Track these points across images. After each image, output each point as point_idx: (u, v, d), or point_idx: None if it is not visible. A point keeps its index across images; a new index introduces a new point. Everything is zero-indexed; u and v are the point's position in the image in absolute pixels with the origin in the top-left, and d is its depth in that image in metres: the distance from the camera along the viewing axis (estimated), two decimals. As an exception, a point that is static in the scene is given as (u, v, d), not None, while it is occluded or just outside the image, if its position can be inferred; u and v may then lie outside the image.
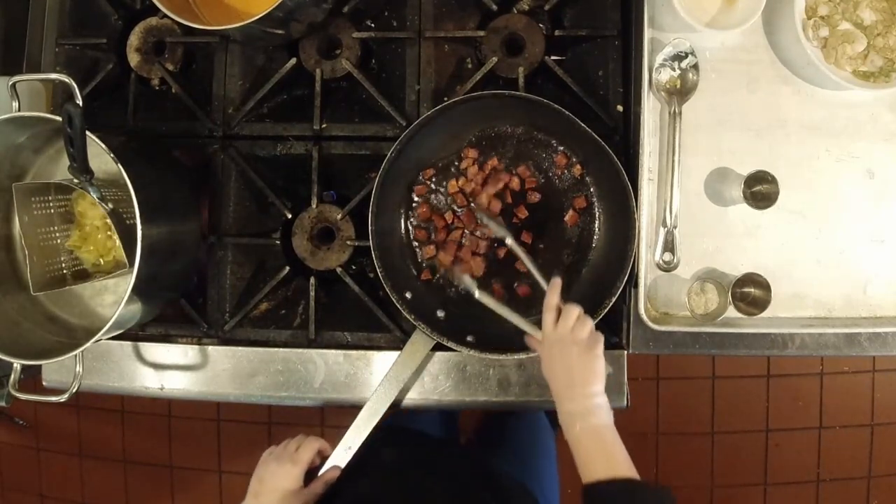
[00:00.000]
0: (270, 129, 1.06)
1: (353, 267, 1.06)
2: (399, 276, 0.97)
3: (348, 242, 1.02)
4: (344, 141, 1.04)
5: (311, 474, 0.86)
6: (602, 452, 0.74)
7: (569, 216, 0.98)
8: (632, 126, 0.98)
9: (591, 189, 0.98)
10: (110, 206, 0.87)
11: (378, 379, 0.99)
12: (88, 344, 0.86)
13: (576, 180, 0.98)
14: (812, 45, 0.95)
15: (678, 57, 0.96)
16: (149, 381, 1.06)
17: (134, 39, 1.09)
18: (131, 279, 0.82)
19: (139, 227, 0.82)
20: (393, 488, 0.85)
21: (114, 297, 1.01)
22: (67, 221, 0.99)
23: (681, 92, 0.97)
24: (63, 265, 0.98)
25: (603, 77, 1.01)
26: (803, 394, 2.06)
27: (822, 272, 0.98)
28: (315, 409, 2.02)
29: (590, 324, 0.80)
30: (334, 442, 0.89)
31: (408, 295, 0.95)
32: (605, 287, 0.90)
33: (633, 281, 0.95)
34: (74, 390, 0.90)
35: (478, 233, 0.98)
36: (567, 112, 0.90)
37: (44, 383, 1.07)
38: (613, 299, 0.90)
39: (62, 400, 0.89)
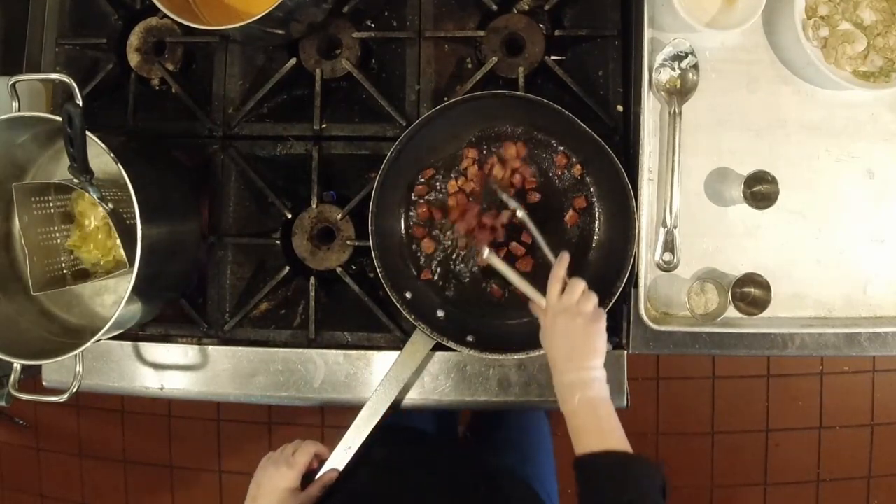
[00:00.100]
0: (270, 129, 1.06)
1: (353, 267, 1.06)
2: (399, 276, 0.97)
3: (348, 242, 1.02)
4: (344, 141, 1.04)
5: (310, 478, 0.86)
6: (597, 425, 0.74)
7: (569, 216, 0.98)
8: (632, 126, 0.98)
9: (591, 189, 0.98)
10: (110, 206, 0.87)
11: (378, 379, 0.99)
12: (88, 344, 0.86)
13: (576, 180, 0.98)
14: (812, 45, 0.95)
15: (678, 57, 0.96)
16: (149, 381, 1.06)
17: (134, 39, 1.09)
18: (131, 279, 0.82)
19: (139, 227, 0.82)
20: (388, 486, 0.85)
21: (114, 297, 1.01)
22: (67, 221, 0.99)
23: (681, 92, 0.97)
24: (63, 265, 0.98)
25: (603, 77, 1.01)
26: (803, 394, 2.06)
27: (822, 272, 0.99)
28: (315, 409, 2.02)
29: (595, 299, 0.81)
30: (334, 442, 0.89)
31: (408, 295, 0.95)
32: (605, 287, 0.90)
33: (633, 281, 0.95)
34: (74, 390, 0.90)
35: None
36: (567, 112, 0.90)
37: (44, 383, 1.07)
38: (613, 299, 0.90)
39: (62, 400, 0.89)
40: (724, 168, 0.99)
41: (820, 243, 0.99)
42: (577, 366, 0.76)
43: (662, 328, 0.94)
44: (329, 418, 2.10)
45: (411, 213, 1.01)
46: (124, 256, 0.91)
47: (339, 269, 1.01)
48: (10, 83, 0.88)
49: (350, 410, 0.95)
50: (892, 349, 0.98)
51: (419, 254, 1.01)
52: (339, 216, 1.02)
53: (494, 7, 1.02)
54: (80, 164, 0.79)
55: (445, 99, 1.00)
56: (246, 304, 1.03)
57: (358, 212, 1.02)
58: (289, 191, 1.09)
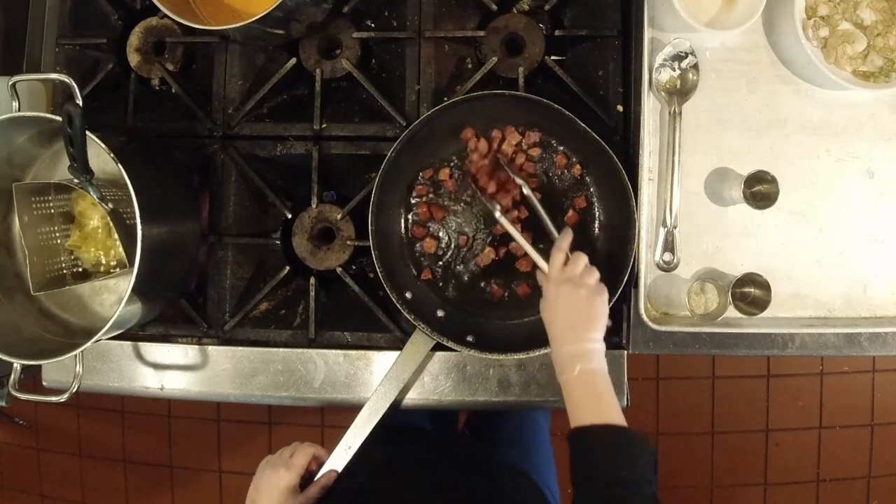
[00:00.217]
0: (270, 129, 1.06)
1: (353, 267, 1.06)
2: (399, 276, 0.97)
3: (348, 242, 1.02)
4: (344, 141, 1.04)
5: (310, 480, 0.86)
6: (594, 398, 0.74)
7: (569, 216, 0.98)
8: (632, 126, 0.98)
9: (591, 189, 0.98)
10: (110, 206, 0.87)
11: (378, 379, 0.99)
12: (88, 344, 0.86)
13: (576, 180, 0.98)
14: (812, 45, 0.95)
15: (678, 57, 0.96)
16: (149, 381, 1.06)
17: (134, 39, 1.09)
18: (131, 279, 0.82)
19: (139, 227, 0.82)
20: (387, 484, 0.85)
21: (114, 297, 1.01)
22: (67, 221, 0.99)
23: (681, 92, 0.97)
24: (63, 265, 0.98)
25: (603, 77, 1.01)
26: (803, 394, 2.07)
27: (822, 272, 0.99)
28: (315, 409, 2.02)
29: (597, 272, 0.81)
30: (334, 442, 0.89)
31: (408, 295, 0.95)
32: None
33: (633, 281, 0.95)
34: (74, 390, 0.90)
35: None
36: (567, 112, 0.90)
37: (44, 383, 1.07)
38: (613, 299, 0.90)
39: (62, 400, 0.89)
40: (724, 168, 0.99)
41: (820, 243, 0.99)
42: (578, 336, 0.76)
43: (662, 328, 0.94)
44: (329, 418, 2.10)
45: (411, 213, 1.01)
46: (124, 256, 0.91)
47: (339, 269, 1.01)
48: (10, 83, 0.88)
49: (350, 410, 0.95)
50: (892, 349, 0.98)
51: (419, 254, 1.01)
52: (339, 216, 1.02)
53: (494, 7, 1.02)
54: (80, 164, 0.79)
55: (445, 99, 1.00)
56: (246, 304, 1.03)
57: (358, 212, 1.02)
58: (289, 191, 1.09)
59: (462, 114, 0.96)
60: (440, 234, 1.00)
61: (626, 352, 0.98)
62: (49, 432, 2.28)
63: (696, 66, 0.96)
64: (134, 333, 1.05)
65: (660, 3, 0.97)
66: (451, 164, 1.00)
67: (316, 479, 0.86)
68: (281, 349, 1.04)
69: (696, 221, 0.98)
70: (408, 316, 0.93)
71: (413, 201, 1.01)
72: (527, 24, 1.01)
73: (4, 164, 0.95)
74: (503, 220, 0.89)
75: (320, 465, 0.87)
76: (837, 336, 0.98)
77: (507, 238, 0.96)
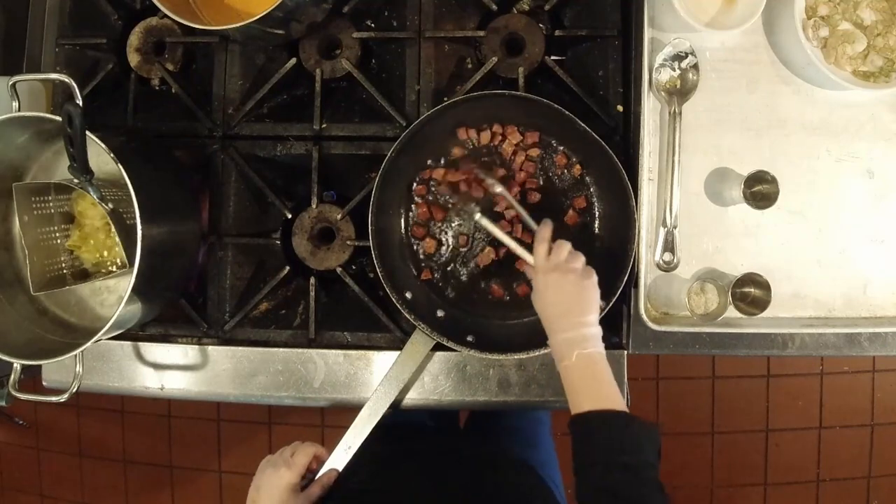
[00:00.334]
0: (270, 129, 1.06)
1: (353, 267, 1.06)
2: (399, 276, 0.97)
3: (348, 242, 1.02)
4: (344, 141, 1.04)
5: (311, 480, 0.86)
6: (593, 383, 0.74)
7: (569, 216, 0.98)
8: (632, 126, 0.98)
9: (591, 189, 0.98)
10: (110, 206, 0.87)
11: (378, 379, 0.99)
12: (88, 344, 0.86)
13: (575, 180, 0.98)
14: (812, 45, 0.95)
15: (678, 57, 0.96)
16: (149, 381, 1.06)
17: (134, 39, 1.09)
18: (131, 279, 0.82)
19: (139, 227, 0.82)
20: (390, 482, 0.85)
21: (114, 297, 1.01)
22: (67, 221, 0.99)
23: (681, 92, 0.97)
24: (63, 265, 0.98)
25: (603, 77, 1.01)
26: (803, 394, 2.07)
27: (822, 272, 0.99)
28: (315, 409, 2.02)
29: (582, 257, 0.81)
30: (334, 442, 0.89)
31: (408, 295, 0.95)
32: (605, 287, 0.90)
33: (633, 281, 0.95)
34: (74, 390, 0.90)
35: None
36: (567, 112, 0.90)
37: (44, 383, 1.07)
38: (613, 299, 0.90)
39: (62, 400, 0.89)
40: (724, 168, 0.99)
41: (820, 243, 0.99)
42: (572, 322, 0.76)
43: (662, 328, 0.94)
44: (329, 418, 2.10)
45: (411, 213, 1.01)
46: (124, 256, 0.91)
47: (339, 269, 1.01)
48: (10, 83, 0.88)
49: (350, 410, 0.95)
50: (892, 349, 0.98)
51: (419, 254, 1.01)
52: (339, 216, 1.02)
53: (494, 7, 1.02)
54: (80, 164, 0.79)
55: (445, 99, 1.00)
56: (246, 304, 1.03)
57: (358, 212, 1.02)
58: (289, 191, 1.09)
59: (462, 114, 0.96)
60: (440, 234, 1.00)
61: (626, 352, 0.98)
62: (49, 432, 2.28)
63: (696, 66, 0.96)
64: (134, 333, 1.05)
65: (660, 3, 0.97)
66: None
67: (317, 477, 0.86)
68: (281, 349, 1.04)
69: (696, 221, 0.98)
70: (408, 316, 0.93)
71: (413, 201, 1.01)
72: (527, 24, 1.01)
73: (4, 164, 0.95)
74: (483, 221, 0.88)
75: (321, 464, 0.87)
76: (837, 336, 0.98)
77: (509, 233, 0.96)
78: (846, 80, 0.94)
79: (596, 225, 0.99)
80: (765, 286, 0.93)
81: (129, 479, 2.24)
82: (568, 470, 1.02)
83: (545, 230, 0.83)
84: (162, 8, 0.92)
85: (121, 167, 0.82)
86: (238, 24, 0.88)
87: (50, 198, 0.96)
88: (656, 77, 0.96)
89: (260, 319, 1.06)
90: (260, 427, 2.16)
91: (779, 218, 0.98)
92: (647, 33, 0.96)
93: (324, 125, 1.04)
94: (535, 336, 0.88)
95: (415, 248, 1.01)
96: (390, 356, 1.01)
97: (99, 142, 0.83)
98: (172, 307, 1.04)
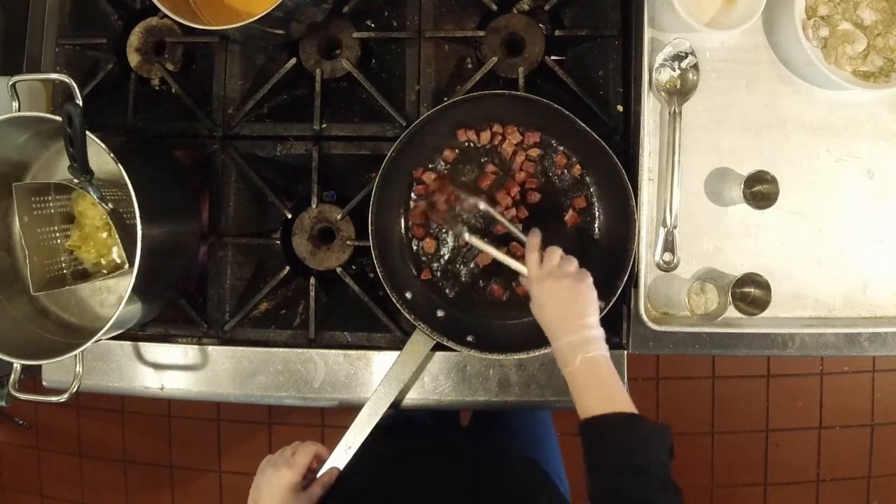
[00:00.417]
0: (270, 129, 1.06)
1: (353, 267, 1.06)
2: (399, 276, 0.97)
3: (348, 242, 1.02)
4: (344, 141, 1.04)
5: (312, 480, 0.86)
6: (599, 386, 0.73)
7: (569, 216, 0.98)
8: (632, 126, 0.98)
9: (591, 189, 0.98)
10: (110, 206, 0.87)
11: (378, 379, 0.99)
12: (88, 344, 0.86)
13: (575, 180, 0.98)
14: (812, 45, 0.95)
15: (678, 57, 0.96)
16: (149, 381, 1.06)
17: (134, 39, 1.09)
18: (131, 279, 0.82)
19: (139, 227, 0.82)
20: (394, 480, 0.85)
21: (114, 297, 1.01)
22: (67, 221, 0.99)
23: (681, 92, 0.97)
24: (63, 265, 0.98)
25: (603, 77, 1.01)
26: (803, 394, 2.07)
27: (822, 272, 0.99)
28: (315, 409, 2.02)
29: (575, 261, 0.81)
30: (334, 442, 0.89)
31: (408, 295, 0.95)
32: (605, 287, 0.90)
33: (633, 281, 0.95)
34: (74, 390, 0.90)
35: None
36: (567, 112, 0.90)
37: (44, 383, 1.07)
38: (613, 299, 0.90)
39: (62, 400, 0.89)
40: (724, 168, 0.99)
41: (820, 243, 0.99)
42: (572, 326, 0.76)
43: (662, 328, 0.94)
44: (329, 418, 2.10)
45: (411, 213, 1.01)
46: (124, 256, 0.91)
47: (339, 269, 1.01)
48: (10, 83, 0.88)
49: (350, 410, 0.95)
50: (892, 349, 0.98)
51: (419, 254, 1.01)
52: (339, 216, 1.02)
53: (494, 7, 1.02)
54: (80, 164, 0.79)
55: (445, 99, 1.00)
56: (246, 304, 1.03)
57: (358, 212, 1.02)
58: (289, 191, 1.09)
59: (462, 114, 0.96)
60: (440, 234, 1.00)
61: (626, 352, 0.98)
62: (49, 432, 2.28)
63: (696, 66, 0.96)
64: (134, 333, 1.05)
65: (660, 3, 0.97)
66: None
67: (317, 477, 0.86)
68: (281, 349, 1.04)
69: (696, 221, 0.98)
70: (408, 316, 0.93)
71: (413, 201, 1.01)
72: (527, 24, 1.01)
73: (4, 164, 0.95)
74: (473, 240, 0.89)
75: (322, 463, 0.87)
76: (837, 336, 0.98)
77: (506, 238, 0.96)
78: (846, 80, 0.94)
79: (596, 225, 0.99)
80: (765, 286, 0.93)
81: (129, 479, 2.24)
82: (571, 463, 1.02)
83: (534, 239, 0.84)
84: (162, 8, 0.92)
85: (121, 167, 0.82)
86: (238, 24, 0.88)
87: (50, 198, 0.96)
88: (656, 77, 0.96)
89: (260, 319, 1.06)
90: (260, 427, 2.16)
91: (779, 218, 0.98)
92: (647, 33, 0.96)
93: (324, 125, 1.04)
94: (535, 336, 0.88)
95: (415, 248, 1.01)
96: (390, 356, 1.01)
97: (99, 142, 0.83)
98: (172, 307, 1.04)
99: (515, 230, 0.90)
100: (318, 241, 1.03)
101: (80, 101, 0.81)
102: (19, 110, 0.88)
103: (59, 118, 0.79)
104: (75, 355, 0.88)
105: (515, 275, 0.98)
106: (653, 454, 0.68)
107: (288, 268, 1.03)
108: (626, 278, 0.90)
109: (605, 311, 0.88)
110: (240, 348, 1.05)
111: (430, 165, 1.00)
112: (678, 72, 0.97)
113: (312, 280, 1.02)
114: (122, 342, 1.06)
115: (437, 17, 1.04)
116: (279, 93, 1.08)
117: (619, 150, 0.96)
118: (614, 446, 0.70)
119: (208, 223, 1.05)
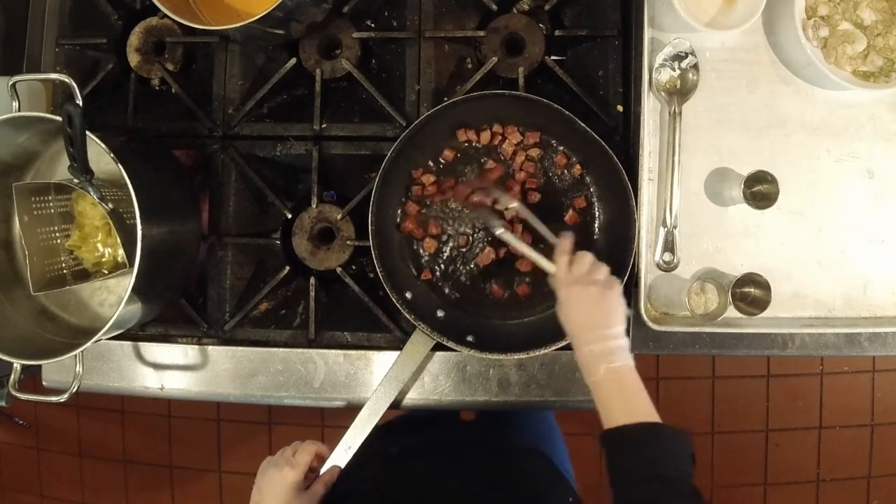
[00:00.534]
0: (270, 129, 1.06)
1: (353, 267, 1.06)
2: (399, 276, 0.97)
3: (348, 242, 1.02)
4: (344, 141, 1.04)
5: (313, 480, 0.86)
6: (622, 397, 0.73)
7: (569, 216, 0.98)
8: (632, 126, 0.98)
9: (591, 189, 0.98)
10: (110, 206, 0.87)
11: (378, 379, 0.99)
12: (88, 344, 0.86)
13: (575, 180, 0.98)
14: (812, 45, 0.95)
15: (678, 57, 0.96)
16: (149, 381, 1.06)
17: (134, 39, 1.09)
18: (131, 279, 0.82)
19: (139, 227, 0.82)
20: (390, 480, 0.85)
21: (114, 297, 1.01)
22: (67, 221, 0.99)
23: (681, 92, 0.97)
24: (63, 265, 0.98)
25: (603, 77, 1.01)
26: (803, 394, 2.07)
27: (822, 272, 0.98)
28: (315, 409, 2.02)
29: (606, 268, 0.80)
30: (334, 442, 0.89)
31: (408, 295, 0.95)
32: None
33: (633, 281, 0.95)
34: (74, 390, 0.90)
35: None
36: (567, 112, 0.90)
37: (44, 383, 1.07)
38: (613, 299, 0.90)
39: (62, 400, 0.89)
40: (724, 168, 0.99)
41: (820, 243, 0.99)
42: (598, 335, 0.76)
43: (662, 328, 0.94)
44: (329, 418, 2.10)
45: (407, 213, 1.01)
46: (124, 256, 0.91)
47: (339, 269, 1.01)
48: (10, 83, 0.88)
49: (350, 410, 0.96)
50: (892, 349, 0.98)
51: (419, 254, 1.01)
52: (339, 216, 1.02)
53: (494, 7, 1.02)
54: (80, 164, 0.79)
55: (445, 99, 1.00)
56: (246, 304, 1.03)
57: (358, 212, 1.02)
58: (289, 191, 1.09)
59: (462, 114, 0.96)
60: (440, 234, 1.00)
61: (626, 352, 0.98)
62: (49, 432, 2.28)
63: (696, 66, 0.96)
64: (134, 333, 1.05)
65: (660, 3, 0.97)
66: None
67: (319, 475, 0.86)
68: (281, 349, 1.04)
69: (696, 221, 0.98)
70: (408, 316, 0.93)
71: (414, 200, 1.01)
72: (527, 24, 1.01)
73: (4, 164, 0.95)
74: (507, 236, 0.87)
75: (323, 462, 0.87)
76: (837, 336, 0.98)
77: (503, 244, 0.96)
78: (846, 80, 0.94)
79: (596, 225, 0.99)
80: (765, 286, 0.93)
81: (129, 479, 2.24)
82: (577, 462, 1.01)
83: (566, 242, 0.83)
84: (162, 8, 0.92)
85: (121, 167, 0.82)
86: (238, 24, 0.88)
87: (50, 198, 0.96)
88: (656, 77, 0.96)
89: (260, 319, 1.06)
90: (260, 427, 2.16)
91: (779, 218, 0.98)
92: (647, 33, 0.96)
93: (324, 125, 1.04)
94: (535, 336, 0.88)
95: (415, 248, 1.01)
96: (390, 356, 1.01)
97: (99, 142, 0.83)
98: (172, 307, 1.04)
99: (548, 232, 0.88)
100: (318, 241, 1.03)
101: (80, 101, 0.81)
102: (19, 110, 0.88)
103: (59, 118, 0.79)
104: (75, 355, 0.88)
105: (515, 275, 0.99)
106: (676, 463, 0.69)
107: (288, 268, 1.03)
108: (626, 278, 0.90)
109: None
110: (240, 348, 1.05)
111: (430, 165, 1.00)
112: (678, 72, 0.97)
113: (312, 280, 1.02)
114: (122, 342, 1.06)
115: (437, 17, 1.04)
116: (279, 93, 1.08)
117: (619, 150, 0.96)
118: (637, 456, 0.70)
119: (208, 223, 1.05)
